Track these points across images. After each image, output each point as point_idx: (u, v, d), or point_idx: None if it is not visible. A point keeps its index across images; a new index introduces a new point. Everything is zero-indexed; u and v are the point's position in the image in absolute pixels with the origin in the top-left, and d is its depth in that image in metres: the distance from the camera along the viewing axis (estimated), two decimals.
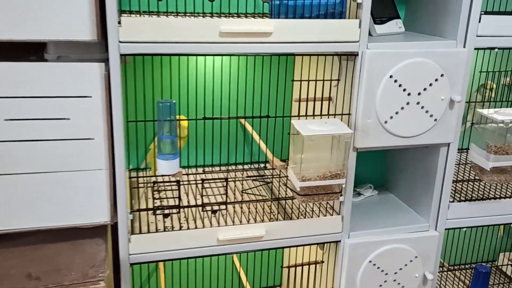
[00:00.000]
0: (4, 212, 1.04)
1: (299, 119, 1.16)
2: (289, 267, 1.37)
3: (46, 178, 1.04)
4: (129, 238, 1.10)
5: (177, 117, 1.06)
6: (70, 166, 1.05)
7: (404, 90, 1.13)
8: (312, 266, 1.37)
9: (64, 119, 1.01)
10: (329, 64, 1.17)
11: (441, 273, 1.64)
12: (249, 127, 1.40)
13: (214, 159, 1.35)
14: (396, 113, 1.14)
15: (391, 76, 1.11)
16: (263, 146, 1.26)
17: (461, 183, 1.39)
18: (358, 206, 1.41)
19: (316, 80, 1.15)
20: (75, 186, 1.06)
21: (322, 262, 1.31)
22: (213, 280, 1.58)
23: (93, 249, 1.11)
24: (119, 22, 0.95)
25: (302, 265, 1.35)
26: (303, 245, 1.22)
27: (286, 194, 1.23)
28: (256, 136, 1.36)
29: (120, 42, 0.96)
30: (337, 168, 1.11)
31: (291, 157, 1.13)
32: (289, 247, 1.21)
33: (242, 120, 1.39)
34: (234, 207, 1.20)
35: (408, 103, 1.14)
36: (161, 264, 1.52)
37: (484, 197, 1.33)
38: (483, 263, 1.76)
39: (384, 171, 1.53)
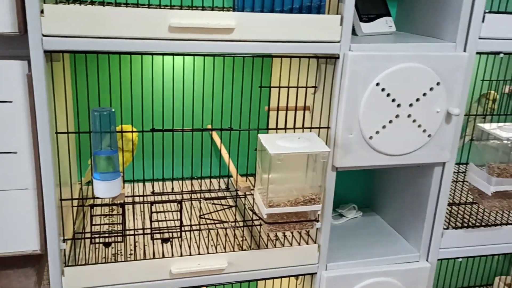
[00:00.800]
0: None
1: (268, 132, 0.98)
2: None
3: None
4: (62, 270, 0.92)
5: (120, 127, 0.88)
6: None
7: (393, 100, 0.96)
8: None
9: None
10: (305, 69, 1.00)
11: None
12: (217, 139, 1.22)
13: (167, 173, 1.17)
14: (383, 127, 0.97)
15: (377, 84, 0.93)
16: (228, 160, 1.08)
17: (457, 207, 1.22)
18: (339, 230, 1.24)
19: (288, 87, 0.97)
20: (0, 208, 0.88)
21: None
22: None
23: (18, 284, 0.93)
24: (42, 11, 0.77)
25: None
26: (273, 278, 1.04)
27: (252, 217, 1.05)
28: (223, 149, 1.19)
29: (43, 35, 0.78)
30: (312, 192, 0.93)
31: (258, 177, 0.95)
32: (256, 280, 1.03)
33: (212, 132, 1.22)
34: (190, 233, 1.03)
35: (397, 116, 0.97)
36: None
37: (482, 224, 1.16)
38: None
39: (371, 190, 1.36)
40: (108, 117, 0.82)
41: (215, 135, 1.22)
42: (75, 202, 1.03)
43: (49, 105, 0.83)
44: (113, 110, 0.83)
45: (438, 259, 1.15)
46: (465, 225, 1.15)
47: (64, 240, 0.92)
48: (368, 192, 1.37)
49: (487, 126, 1.04)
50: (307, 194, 0.93)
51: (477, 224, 1.16)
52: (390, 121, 0.97)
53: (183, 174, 1.22)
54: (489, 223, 1.17)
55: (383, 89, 0.94)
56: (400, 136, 0.99)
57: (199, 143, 1.11)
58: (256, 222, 1.03)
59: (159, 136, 1.04)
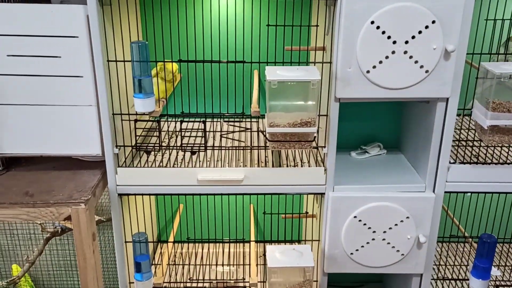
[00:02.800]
0: (9, 138, 1.19)
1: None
2: (283, 215, 1.38)
3: (45, 110, 1.17)
4: (116, 169, 1.20)
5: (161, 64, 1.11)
6: (63, 100, 1.17)
7: (389, 37, 1.06)
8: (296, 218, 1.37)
9: (56, 57, 1.13)
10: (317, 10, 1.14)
11: (448, 243, 1.55)
12: (256, 77, 1.41)
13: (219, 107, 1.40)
14: (380, 62, 1.08)
15: (372, 22, 1.05)
16: (255, 93, 1.27)
17: (464, 147, 1.27)
18: (359, 163, 1.37)
19: (292, 26, 1.12)
20: (71, 120, 1.18)
21: (306, 213, 1.30)
22: (229, 224, 1.65)
23: (88, 178, 1.23)
24: None
25: (292, 215, 1.35)
26: (285, 194, 1.22)
27: (265, 140, 1.24)
28: (255, 86, 1.38)
29: None
30: (308, 117, 1.09)
31: (266, 104, 1.13)
32: (270, 194, 1.22)
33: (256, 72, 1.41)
34: (213, 149, 1.24)
35: (393, 52, 1.07)
36: (181, 206, 1.63)
37: (493, 161, 1.21)
38: None
39: (398, 131, 1.45)
40: (143, 47, 1.06)
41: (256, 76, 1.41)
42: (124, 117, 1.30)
43: (101, 39, 1.09)
44: (146, 42, 1.07)
45: (446, 192, 1.23)
46: (474, 161, 1.21)
47: (117, 146, 1.19)
48: (395, 133, 1.46)
49: (487, 64, 1.09)
50: (304, 119, 1.09)
51: (488, 161, 1.21)
52: (387, 57, 1.08)
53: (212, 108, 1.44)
54: (500, 161, 1.21)
55: (378, 27, 1.05)
56: (396, 70, 1.09)
57: (227, 77, 1.30)
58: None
59: (196, 68, 1.25)
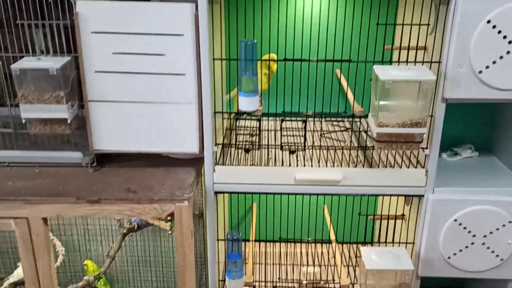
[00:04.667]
0: (107, 135, 1.20)
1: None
2: (371, 216, 1.37)
3: (145, 107, 1.18)
4: (214, 168, 1.20)
5: (267, 56, 1.10)
6: (164, 98, 1.17)
7: (505, 37, 1.03)
8: (393, 220, 1.35)
9: (160, 54, 1.13)
10: (426, 9, 1.12)
11: None
12: (342, 78, 1.40)
13: (304, 106, 1.39)
14: (494, 62, 1.05)
15: (488, 21, 1.02)
16: (349, 94, 1.25)
17: None
18: (452, 165, 1.34)
19: (403, 24, 1.10)
20: (169, 118, 1.19)
21: (403, 215, 1.28)
22: (302, 224, 1.64)
23: (184, 176, 1.24)
24: None
25: (380, 217, 1.33)
26: (383, 195, 1.20)
27: (366, 139, 1.22)
28: (345, 86, 1.36)
29: None
30: (419, 117, 1.06)
31: (371, 103, 1.11)
32: (367, 195, 1.21)
33: (337, 71, 1.39)
34: (312, 150, 1.23)
35: (508, 52, 1.04)
36: (254, 205, 1.63)
37: None
38: None
39: (491, 133, 1.42)
40: (252, 46, 1.05)
41: (341, 76, 1.39)
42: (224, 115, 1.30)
43: (209, 37, 1.09)
44: (255, 41, 1.06)
45: None
46: None
47: (216, 144, 1.19)
48: (487, 135, 1.42)
49: None
50: (414, 119, 1.06)
51: None
52: (501, 57, 1.05)
53: (307, 107, 1.43)
54: None
55: (494, 26, 1.02)
56: (511, 71, 1.06)
57: (322, 76, 1.29)
58: (369, 145, 1.20)
59: (290, 67, 1.24)
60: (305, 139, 1.16)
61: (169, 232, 1.58)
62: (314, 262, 1.50)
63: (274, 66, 1.20)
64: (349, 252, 1.54)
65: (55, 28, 1.21)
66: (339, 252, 1.42)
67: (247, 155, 1.23)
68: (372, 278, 1.19)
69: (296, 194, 1.20)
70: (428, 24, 1.13)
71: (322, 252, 1.58)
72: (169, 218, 1.51)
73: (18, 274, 1.52)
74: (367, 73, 1.17)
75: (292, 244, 1.61)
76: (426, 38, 1.16)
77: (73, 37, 1.19)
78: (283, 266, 1.48)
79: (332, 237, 1.49)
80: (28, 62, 1.13)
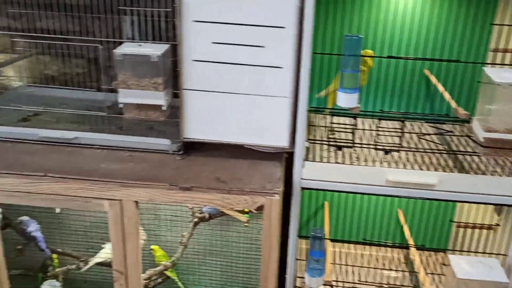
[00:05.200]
0: (201, 123, 1.21)
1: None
2: (460, 224, 1.31)
3: (238, 99, 1.18)
4: (303, 164, 1.18)
5: (364, 52, 1.07)
6: (259, 90, 1.17)
7: None
8: (481, 229, 1.30)
9: (259, 46, 1.13)
10: None
11: None
12: (432, 78, 1.35)
13: (391, 106, 1.35)
14: None
15: None
16: (446, 95, 1.21)
17: None
18: None
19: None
20: (261, 110, 1.18)
21: (498, 225, 1.22)
22: (373, 227, 1.60)
23: (271, 170, 1.23)
24: None
25: (472, 226, 1.28)
26: (478, 203, 1.15)
27: (465, 148, 1.17)
28: (440, 87, 1.31)
29: None
30: None
31: (478, 107, 1.07)
32: (462, 201, 1.16)
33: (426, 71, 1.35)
34: (407, 152, 1.20)
35: None
36: (326, 203, 1.61)
37: None
38: None
39: None
40: (357, 41, 1.03)
41: (432, 77, 1.34)
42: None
43: (313, 31, 1.07)
44: (361, 36, 1.04)
45: None
46: None
47: (308, 140, 1.18)
48: None
49: None
50: None
51: None
52: None
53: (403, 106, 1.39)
54: None
55: None
56: None
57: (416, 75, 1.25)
58: (470, 152, 1.15)
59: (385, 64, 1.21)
60: (401, 140, 1.12)
61: (246, 224, 1.59)
62: (391, 267, 1.47)
63: (370, 62, 1.17)
64: (426, 258, 1.49)
65: (152, 15, 1.23)
66: (419, 258, 1.38)
67: (338, 152, 1.20)
68: None
69: (387, 195, 1.17)
70: None
71: (396, 257, 1.54)
72: (246, 210, 1.51)
73: (102, 254, 1.57)
74: (463, 74, 1.12)
75: (367, 246, 1.58)
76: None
77: (166, 25, 1.21)
78: (360, 268, 1.45)
79: (410, 241, 1.45)
80: (129, 48, 1.15)
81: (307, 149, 1.21)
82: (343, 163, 1.18)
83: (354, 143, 1.16)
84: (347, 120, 1.27)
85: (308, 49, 1.08)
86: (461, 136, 1.24)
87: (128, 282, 1.25)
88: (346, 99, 1.07)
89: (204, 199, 1.14)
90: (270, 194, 1.12)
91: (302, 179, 1.19)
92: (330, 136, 1.27)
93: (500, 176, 1.14)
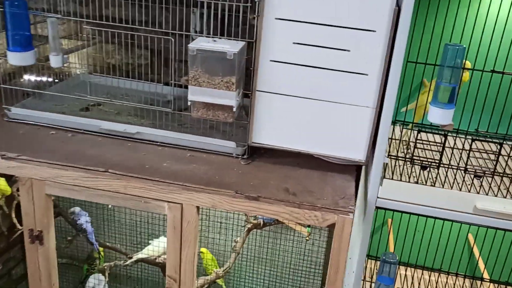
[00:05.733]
0: (272, 128, 1.13)
1: None
2: None
3: (315, 105, 1.09)
4: (381, 181, 1.08)
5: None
6: (339, 98, 1.07)
7: None
8: None
9: (344, 50, 1.03)
10: None
11: None
12: None
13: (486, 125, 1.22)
14: None
15: None
16: None
17: None
18: None
19: None
20: (339, 119, 1.09)
21: None
22: (437, 250, 1.48)
23: (343, 183, 1.13)
24: None
25: None
26: None
27: None
28: None
29: None
30: None
31: None
32: None
33: None
34: (502, 178, 1.07)
35: None
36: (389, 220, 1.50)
37: None
38: None
39: None
40: (460, 51, 0.92)
41: None
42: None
43: (408, 36, 0.97)
44: (464, 46, 0.93)
45: None
46: None
47: (388, 156, 1.07)
48: None
49: None
50: None
51: None
52: None
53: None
54: None
55: None
56: None
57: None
58: None
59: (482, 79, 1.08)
60: (495, 165, 1.00)
61: (307, 238, 1.50)
62: None
63: (466, 75, 1.05)
64: None
65: (226, 10, 1.16)
66: None
67: (417, 171, 1.10)
68: None
69: (474, 224, 1.05)
70: None
71: (460, 284, 1.42)
72: (309, 224, 1.41)
73: (148, 251, 1.52)
74: None
75: (432, 272, 1.45)
76: None
77: (244, 21, 1.13)
78: None
79: (485, 274, 1.32)
80: (204, 43, 1.08)
81: (385, 165, 1.11)
82: (425, 184, 1.07)
83: (440, 163, 1.04)
84: (431, 137, 1.15)
85: (401, 56, 0.97)
86: None
87: None
88: (439, 115, 0.96)
89: (271, 211, 1.05)
90: (343, 212, 1.02)
91: (378, 197, 1.09)
92: (403, 151, 1.16)
93: None
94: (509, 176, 1.06)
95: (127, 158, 1.17)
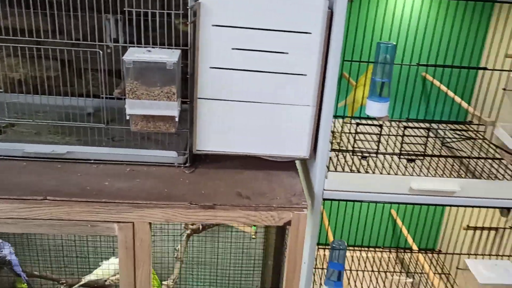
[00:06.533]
0: (215, 134, 1.13)
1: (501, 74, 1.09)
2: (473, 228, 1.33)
3: (257, 108, 1.11)
4: (326, 174, 1.14)
5: None
6: (280, 99, 1.10)
7: None
8: (488, 231, 1.33)
9: (282, 53, 1.06)
10: None
11: None
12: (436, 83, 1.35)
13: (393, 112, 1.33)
14: None
15: None
16: (463, 102, 1.21)
17: None
18: None
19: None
20: (281, 119, 1.12)
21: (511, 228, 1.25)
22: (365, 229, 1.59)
23: (289, 181, 1.17)
24: None
25: (482, 228, 1.30)
26: (501, 208, 1.17)
27: (486, 154, 1.18)
28: (451, 94, 1.31)
29: None
30: None
31: (502, 116, 1.07)
32: (484, 207, 1.17)
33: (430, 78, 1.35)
34: (431, 158, 1.19)
35: None
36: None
37: None
38: None
39: None
40: (391, 49, 0.99)
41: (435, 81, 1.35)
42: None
43: (344, 37, 1.02)
44: (394, 44, 1.00)
45: None
46: None
47: (331, 149, 1.13)
48: None
49: None
50: None
51: None
52: None
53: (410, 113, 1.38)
54: None
55: None
56: None
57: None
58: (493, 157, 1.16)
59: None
60: (425, 148, 1.11)
61: (253, 236, 1.51)
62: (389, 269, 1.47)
63: None
64: (425, 257, 1.51)
65: (154, 17, 1.13)
66: (425, 261, 1.38)
67: (359, 161, 1.17)
68: None
69: (410, 204, 1.16)
70: None
71: (387, 258, 1.55)
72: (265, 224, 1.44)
73: (97, 274, 1.45)
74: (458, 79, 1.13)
75: (365, 250, 1.57)
76: None
77: (170, 27, 1.11)
78: (369, 273, 1.43)
79: (414, 246, 1.46)
80: (140, 54, 1.04)
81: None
82: (366, 172, 1.15)
83: (378, 152, 1.13)
84: (369, 129, 1.23)
85: (337, 56, 1.03)
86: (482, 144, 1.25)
87: None
88: (377, 108, 1.04)
89: (228, 217, 1.06)
90: (298, 209, 1.06)
91: (325, 190, 1.15)
92: (343, 144, 1.23)
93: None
94: (437, 156, 1.18)
95: (62, 181, 1.10)
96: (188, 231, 1.59)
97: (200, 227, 1.60)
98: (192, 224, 1.60)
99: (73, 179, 1.11)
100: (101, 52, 1.11)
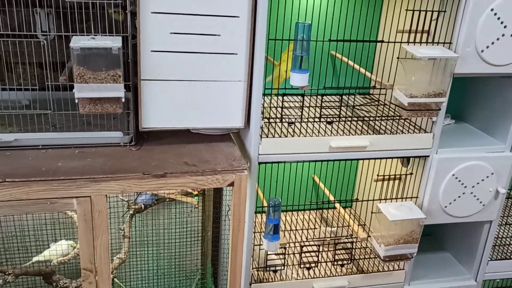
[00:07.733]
0: (156, 113, 1.25)
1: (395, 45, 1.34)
2: (380, 179, 1.57)
3: (195, 85, 1.25)
4: (260, 140, 1.30)
5: None
6: (215, 76, 1.25)
7: (502, 22, 1.29)
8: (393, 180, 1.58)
9: (215, 35, 1.21)
10: None
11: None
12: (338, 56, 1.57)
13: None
14: (492, 43, 1.31)
15: (492, 9, 1.27)
16: (367, 73, 1.44)
17: None
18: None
19: (427, 11, 1.31)
20: (218, 95, 1.27)
21: (411, 174, 1.50)
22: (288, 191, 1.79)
23: (228, 149, 1.33)
24: None
25: (388, 177, 1.55)
26: (402, 157, 1.41)
27: (394, 112, 1.42)
28: (356, 66, 1.53)
29: None
30: (438, 89, 1.29)
31: (398, 80, 1.31)
32: (390, 158, 1.41)
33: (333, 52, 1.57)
34: (345, 122, 1.40)
35: (503, 35, 1.30)
36: None
37: None
38: None
39: (463, 103, 1.70)
40: (307, 27, 1.18)
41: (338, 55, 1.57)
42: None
43: (267, 18, 1.19)
44: (310, 23, 1.19)
45: None
46: None
47: (263, 119, 1.30)
48: (461, 105, 1.70)
49: None
50: (437, 90, 1.28)
51: None
52: (498, 39, 1.30)
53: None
54: None
55: (495, 14, 1.27)
56: (504, 50, 1.32)
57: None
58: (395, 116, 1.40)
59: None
60: (340, 112, 1.32)
61: (196, 206, 1.64)
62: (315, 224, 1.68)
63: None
64: (344, 210, 1.74)
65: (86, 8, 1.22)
66: (346, 213, 1.61)
67: (291, 127, 1.35)
68: (395, 228, 1.40)
69: (332, 160, 1.36)
70: (432, 11, 1.36)
71: (313, 217, 1.76)
72: (196, 192, 1.58)
73: (44, 255, 1.50)
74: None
75: (293, 211, 1.76)
76: (430, 23, 1.37)
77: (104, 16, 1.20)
78: (298, 231, 1.63)
79: (336, 202, 1.68)
80: (85, 42, 1.13)
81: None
82: (292, 136, 1.33)
83: (301, 118, 1.32)
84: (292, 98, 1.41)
85: (263, 35, 1.19)
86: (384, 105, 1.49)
87: (98, 279, 1.23)
88: (299, 79, 1.22)
89: (178, 183, 1.19)
90: (239, 170, 1.22)
91: (259, 154, 1.31)
92: (265, 111, 1.41)
93: (411, 134, 1.42)
94: (349, 118, 1.39)
95: (16, 166, 1.16)
96: (131, 211, 1.69)
97: (142, 206, 1.70)
98: (135, 205, 1.70)
99: (26, 163, 1.18)
100: (45, 42, 1.18)
